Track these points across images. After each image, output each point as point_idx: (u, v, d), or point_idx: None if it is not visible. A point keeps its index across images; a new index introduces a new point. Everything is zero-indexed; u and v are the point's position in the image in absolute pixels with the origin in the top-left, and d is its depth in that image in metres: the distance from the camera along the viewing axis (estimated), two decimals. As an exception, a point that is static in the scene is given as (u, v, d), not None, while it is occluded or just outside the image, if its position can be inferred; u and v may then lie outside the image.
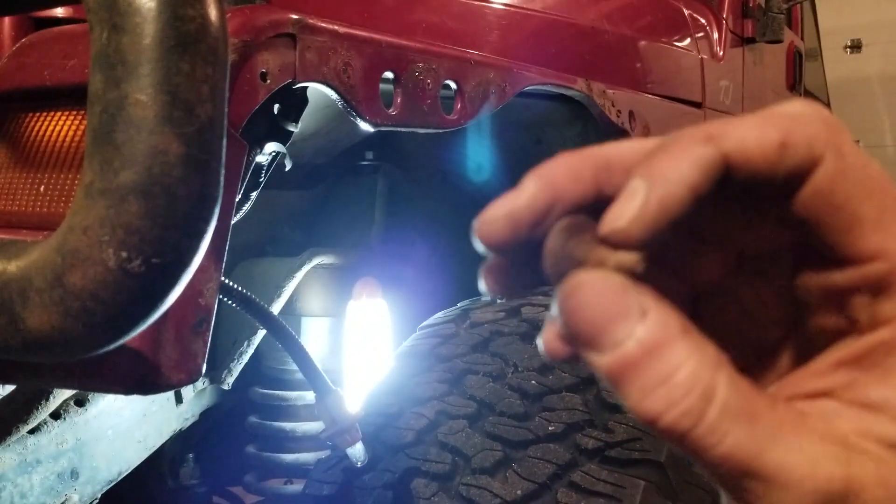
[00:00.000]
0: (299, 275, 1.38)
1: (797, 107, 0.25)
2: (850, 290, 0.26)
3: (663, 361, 0.24)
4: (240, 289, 0.75)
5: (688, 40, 1.79)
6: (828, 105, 3.58)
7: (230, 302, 0.74)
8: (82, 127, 0.61)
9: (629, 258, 0.25)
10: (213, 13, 0.41)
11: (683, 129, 0.25)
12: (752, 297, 0.29)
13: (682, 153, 0.24)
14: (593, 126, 1.23)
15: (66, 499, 1.09)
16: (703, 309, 0.30)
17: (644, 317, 0.24)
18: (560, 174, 0.27)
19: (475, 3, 1.51)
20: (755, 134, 0.24)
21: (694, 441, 0.24)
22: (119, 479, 1.19)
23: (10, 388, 0.94)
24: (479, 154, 1.36)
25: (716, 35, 1.91)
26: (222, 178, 0.42)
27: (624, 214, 0.25)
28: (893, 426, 0.25)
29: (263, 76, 0.65)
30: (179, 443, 1.48)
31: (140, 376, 0.58)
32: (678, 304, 0.26)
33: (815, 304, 0.27)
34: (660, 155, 0.25)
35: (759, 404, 0.25)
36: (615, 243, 0.25)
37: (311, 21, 0.70)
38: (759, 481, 0.24)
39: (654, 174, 0.24)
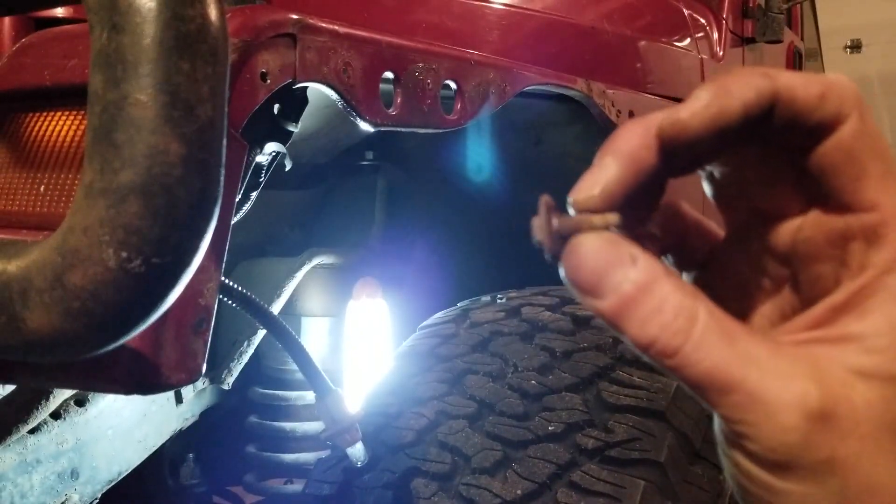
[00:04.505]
0: (299, 275, 1.38)
1: (836, 75, 0.31)
2: (849, 235, 0.30)
3: (655, 295, 0.29)
4: (240, 289, 0.75)
5: (688, 40, 1.78)
6: None
7: (230, 302, 0.74)
8: (82, 127, 0.61)
9: (611, 216, 0.30)
10: (213, 13, 0.40)
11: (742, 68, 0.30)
12: (758, 251, 0.34)
13: (745, 79, 0.29)
14: (594, 126, 1.23)
15: (66, 498, 1.09)
16: (714, 261, 0.36)
17: (635, 262, 0.29)
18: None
19: (475, 3, 1.51)
20: (802, 82, 0.29)
21: (683, 358, 0.29)
22: (119, 478, 1.19)
23: (10, 387, 0.94)
24: (478, 154, 1.36)
25: (716, 35, 1.91)
26: (222, 178, 0.42)
27: (597, 183, 0.30)
28: (860, 355, 0.29)
29: (263, 76, 0.65)
30: (179, 443, 1.49)
31: (140, 376, 0.58)
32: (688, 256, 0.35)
33: (816, 252, 0.31)
34: (726, 77, 0.29)
35: (737, 330, 0.29)
36: (584, 209, 0.30)
37: (311, 21, 0.70)
38: (740, 395, 0.28)
39: (718, 87, 0.29)
